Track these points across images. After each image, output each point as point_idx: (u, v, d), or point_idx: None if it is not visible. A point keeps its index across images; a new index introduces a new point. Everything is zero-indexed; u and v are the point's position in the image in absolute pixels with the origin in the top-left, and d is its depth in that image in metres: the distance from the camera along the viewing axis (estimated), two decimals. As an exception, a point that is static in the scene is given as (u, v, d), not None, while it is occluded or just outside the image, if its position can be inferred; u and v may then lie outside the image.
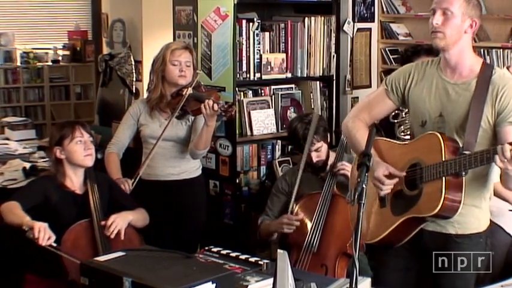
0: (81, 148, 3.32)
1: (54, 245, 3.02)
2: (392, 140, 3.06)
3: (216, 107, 3.65)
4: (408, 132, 3.79)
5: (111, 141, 4.03)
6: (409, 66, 2.97)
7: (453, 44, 2.75)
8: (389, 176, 2.76)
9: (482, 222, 2.86)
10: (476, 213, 2.81)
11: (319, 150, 3.82)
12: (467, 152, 2.61)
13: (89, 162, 3.37)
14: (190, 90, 3.82)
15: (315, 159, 3.82)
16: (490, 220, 3.57)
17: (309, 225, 3.68)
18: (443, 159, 2.63)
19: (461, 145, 2.68)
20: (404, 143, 2.93)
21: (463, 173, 2.61)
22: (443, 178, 2.62)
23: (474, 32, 2.81)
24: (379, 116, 3.05)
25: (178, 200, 3.96)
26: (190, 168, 3.99)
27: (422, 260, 2.87)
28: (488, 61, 5.25)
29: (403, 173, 2.76)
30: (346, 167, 3.68)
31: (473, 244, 2.82)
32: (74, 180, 3.36)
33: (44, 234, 2.97)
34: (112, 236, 3.22)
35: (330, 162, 3.86)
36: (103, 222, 3.25)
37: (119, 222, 3.26)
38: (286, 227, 3.69)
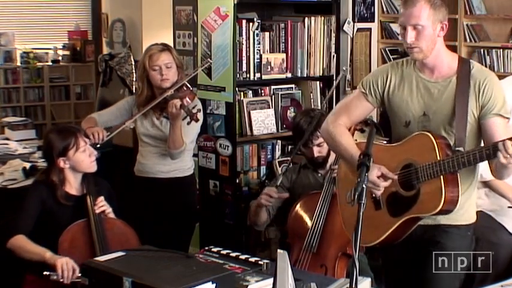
0: (86, 156, 3.34)
1: (79, 275, 2.91)
2: (379, 143, 3.06)
3: (178, 106, 3.68)
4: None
5: (96, 113, 4.12)
6: (384, 68, 3.00)
7: (430, 52, 2.79)
8: (382, 177, 2.77)
9: (470, 214, 2.91)
10: (466, 205, 2.86)
11: (321, 145, 3.82)
12: (460, 149, 2.67)
13: (95, 167, 3.39)
14: (171, 92, 3.84)
15: (316, 154, 3.82)
16: (493, 218, 3.58)
17: (309, 225, 3.68)
18: (439, 158, 2.66)
19: (451, 141, 2.73)
20: (392, 145, 2.93)
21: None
22: (441, 176, 2.66)
23: (446, 32, 2.83)
24: (359, 119, 3.07)
25: (167, 197, 3.99)
26: (181, 167, 4.01)
27: (416, 252, 2.91)
28: (488, 61, 5.26)
29: (395, 176, 2.78)
30: None
31: (462, 235, 2.88)
32: (72, 183, 3.36)
33: (68, 272, 2.93)
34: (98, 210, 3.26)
35: (330, 161, 3.86)
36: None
37: (107, 206, 3.32)
38: (264, 197, 3.71)
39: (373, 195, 2.84)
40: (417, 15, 2.72)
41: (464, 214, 2.87)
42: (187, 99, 3.75)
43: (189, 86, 4.00)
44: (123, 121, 3.92)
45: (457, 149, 2.67)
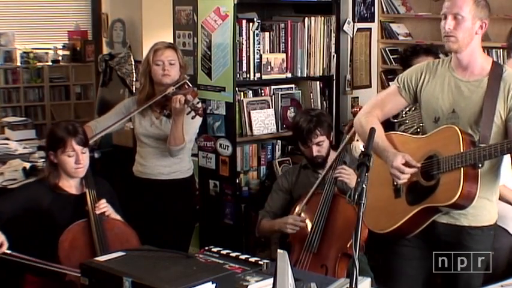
0: (71, 161, 3.30)
1: (8, 252, 2.99)
2: (406, 134, 3.16)
3: (182, 101, 3.69)
4: (409, 132, 3.79)
5: (95, 120, 4.13)
6: (421, 65, 3.07)
7: (465, 46, 2.86)
8: (406, 165, 2.82)
9: (492, 215, 2.96)
10: (488, 206, 2.91)
11: (320, 144, 3.83)
12: (483, 145, 2.71)
13: (80, 174, 3.35)
14: (172, 89, 3.84)
15: (315, 153, 3.83)
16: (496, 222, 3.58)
17: (310, 225, 3.69)
18: (462, 150, 2.71)
19: (476, 139, 2.77)
20: (419, 136, 3.03)
21: (480, 165, 2.70)
22: (462, 168, 2.70)
23: (484, 32, 2.90)
24: (392, 113, 3.16)
25: (167, 198, 4.00)
26: (181, 169, 4.02)
27: (435, 251, 2.93)
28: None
29: (418, 164, 2.83)
30: (344, 174, 3.66)
31: (485, 236, 2.93)
32: (71, 181, 3.36)
33: None
34: (98, 212, 3.25)
35: (329, 161, 3.86)
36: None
37: (109, 207, 3.31)
38: (290, 227, 3.70)
39: (395, 183, 2.89)
40: (460, 5, 2.82)
41: (487, 215, 2.92)
42: (190, 96, 3.76)
43: (190, 85, 4.01)
44: (119, 119, 3.93)
45: (480, 145, 2.72)
